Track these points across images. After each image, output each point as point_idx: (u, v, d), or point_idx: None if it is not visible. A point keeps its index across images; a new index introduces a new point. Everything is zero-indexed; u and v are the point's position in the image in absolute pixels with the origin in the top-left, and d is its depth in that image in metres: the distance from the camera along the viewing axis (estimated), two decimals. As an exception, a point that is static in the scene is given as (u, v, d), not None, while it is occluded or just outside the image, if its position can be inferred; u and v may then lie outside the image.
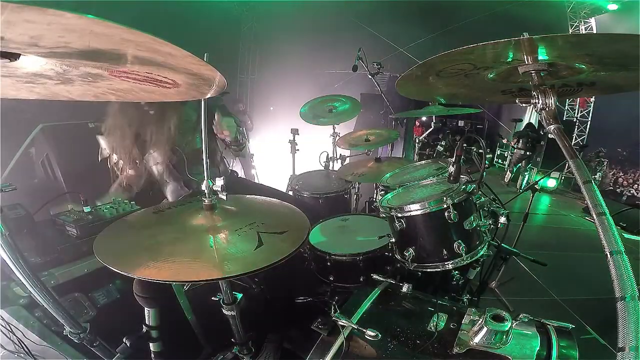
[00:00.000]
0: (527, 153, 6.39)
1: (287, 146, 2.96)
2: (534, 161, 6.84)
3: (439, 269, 1.36)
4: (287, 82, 7.28)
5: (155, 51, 0.70)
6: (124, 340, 1.30)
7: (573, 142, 6.55)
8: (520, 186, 6.36)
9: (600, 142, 6.93)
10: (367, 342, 0.99)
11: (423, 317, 1.09)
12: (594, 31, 6.52)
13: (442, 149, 3.14)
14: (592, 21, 6.79)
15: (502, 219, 1.43)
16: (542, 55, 0.78)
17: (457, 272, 1.39)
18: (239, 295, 1.12)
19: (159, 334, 1.37)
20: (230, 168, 2.40)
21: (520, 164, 6.55)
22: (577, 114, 7.46)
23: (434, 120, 2.92)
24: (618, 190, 6.25)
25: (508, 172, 6.97)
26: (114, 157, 1.90)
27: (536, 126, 7.34)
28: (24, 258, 0.89)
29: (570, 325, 0.97)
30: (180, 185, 1.95)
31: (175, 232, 0.95)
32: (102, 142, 1.91)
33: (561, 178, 6.30)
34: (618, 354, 0.59)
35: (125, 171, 1.92)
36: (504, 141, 7.78)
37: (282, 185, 2.77)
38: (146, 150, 1.91)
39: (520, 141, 6.48)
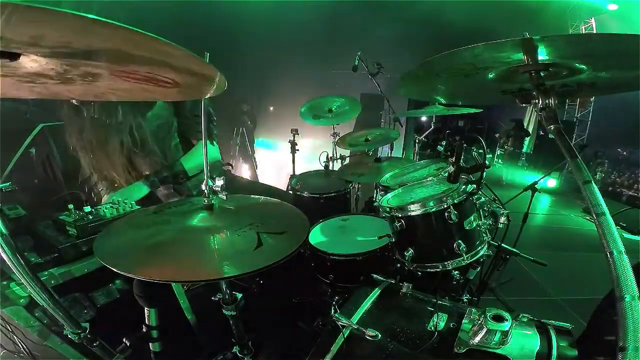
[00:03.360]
0: (516, 150, 7.42)
1: (287, 146, 2.96)
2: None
3: (439, 269, 1.36)
4: (287, 82, 7.28)
5: (155, 51, 0.70)
6: (124, 340, 1.30)
7: (573, 142, 6.55)
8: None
9: (600, 142, 6.95)
10: (367, 342, 0.99)
11: (423, 317, 1.09)
12: (594, 31, 6.52)
13: (442, 149, 3.15)
14: (592, 21, 6.80)
15: (502, 219, 1.44)
16: (542, 55, 0.78)
17: (457, 272, 1.39)
18: (239, 295, 1.12)
19: (159, 334, 1.38)
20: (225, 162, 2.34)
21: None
22: (577, 114, 7.48)
23: (433, 120, 2.93)
24: (618, 190, 6.25)
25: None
26: (94, 177, 1.70)
27: (532, 125, 7.63)
28: (24, 258, 0.89)
29: (570, 325, 0.98)
30: (170, 192, 1.90)
31: (175, 232, 0.95)
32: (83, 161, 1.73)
33: (561, 178, 6.31)
34: (618, 354, 0.59)
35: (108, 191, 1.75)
36: (497, 135, 8.24)
37: (282, 186, 2.77)
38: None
39: (510, 139, 7.13)
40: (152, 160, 1.78)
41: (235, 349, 1.20)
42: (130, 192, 1.69)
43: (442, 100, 1.31)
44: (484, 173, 1.35)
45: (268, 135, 7.68)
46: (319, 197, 2.33)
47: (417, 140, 2.98)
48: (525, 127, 7.71)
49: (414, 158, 3.06)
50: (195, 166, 1.86)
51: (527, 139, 7.60)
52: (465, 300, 1.67)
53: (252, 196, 1.27)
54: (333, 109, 2.88)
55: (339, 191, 2.38)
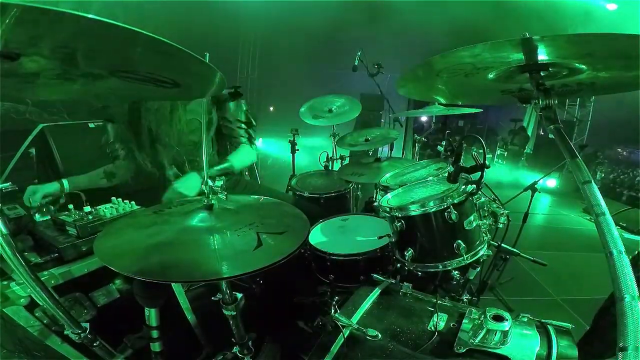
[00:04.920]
0: (521, 149, 7.53)
1: (287, 146, 2.96)
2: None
3: (439, 269, 1.36)
4: (287, 82, 7.29)
5: (155, 51, 0.70)
6: (124, 340, 1.30)
7: (573, 142, 6.52)
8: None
9: (600, 142, 6.94)
10: (367, 342, 0.99)
11: (423, 317, 1.09)
12: (594, 31, 6.51)
13: (442, 149, 3.15)
14: (592, 21, 6.79)
15: (502, 219, 1.44)
16: (542, 55, 0.78)
17: (457, 272, 1.40)
18: (239, 295, 1.12)
19: (159, 334, 1.38)
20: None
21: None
22: (577, 114, 7.47)
23: (434, 120, 2.93)
24: (618, 190, 6.24)
25: None
26: (117, 144, 1.87)
27: (532, 125, 7.71)
28: (24, 258, 0.89)
29: (570, 325, 0.98)
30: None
31: (175, 232, 0.95)
32: (110, 128, 1.89)
33: (561, 178, 6.30)
34: (618, 353, 0.59)
35: (120, 159, 1.88)
36: (499, 137, 8.30)
37: (282, 186, 2.77)
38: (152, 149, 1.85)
39: (515, 139, 7.17)
40: (167, 152, 1.82)
41: (235, 349, 1.20)
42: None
43: (442, 100, 1.31)
44: (484, 173, 1.35)
45: (268, 135, 7.68)
46: (319, 197, 2.33)
47: (417, 140, 2.98)
48: (525, 127, 7.74)
49: (413, 158, 3.06)
50: (186, 194, 1.68)
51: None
52: (465, 300, 1.67)
53: (252, 196, 1.27)
54: (333, 109, 2.88)
55: (339, 191, 2.39)
